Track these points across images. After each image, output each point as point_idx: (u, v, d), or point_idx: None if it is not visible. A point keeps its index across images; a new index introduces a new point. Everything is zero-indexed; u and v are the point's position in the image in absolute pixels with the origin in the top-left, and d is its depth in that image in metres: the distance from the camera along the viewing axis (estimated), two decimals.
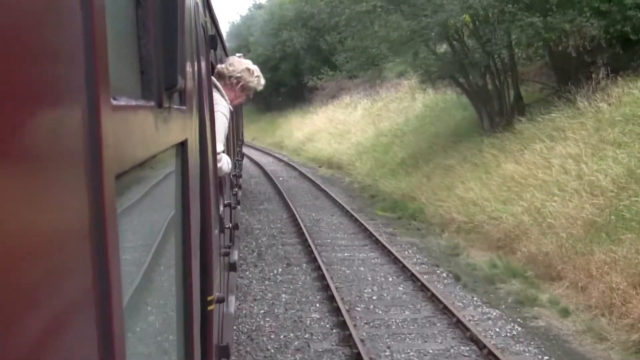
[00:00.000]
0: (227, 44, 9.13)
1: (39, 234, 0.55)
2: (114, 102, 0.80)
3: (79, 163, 0.65)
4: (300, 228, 13.36)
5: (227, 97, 3.69)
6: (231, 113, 3.82)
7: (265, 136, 40.39)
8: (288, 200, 16.91)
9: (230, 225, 5.04)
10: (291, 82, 42.52)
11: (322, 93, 37.80)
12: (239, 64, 3.89)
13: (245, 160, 28.80)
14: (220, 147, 3.33)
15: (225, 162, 3.47)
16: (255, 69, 3.94)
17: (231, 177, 6.03)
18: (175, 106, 1.46)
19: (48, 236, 0.57)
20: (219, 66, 3.96)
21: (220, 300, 2.76)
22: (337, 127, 28.98)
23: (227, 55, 6.05)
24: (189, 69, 1.74)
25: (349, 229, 13.70)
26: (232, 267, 5.15)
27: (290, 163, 27.37)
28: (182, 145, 1.64)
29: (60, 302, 0.60)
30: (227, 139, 4.07)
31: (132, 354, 1.04)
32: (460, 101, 22.40)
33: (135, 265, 1.15)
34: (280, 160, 29.27)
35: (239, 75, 3.83)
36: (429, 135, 19.65)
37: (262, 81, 4.00)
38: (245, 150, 32.67)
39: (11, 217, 0.49)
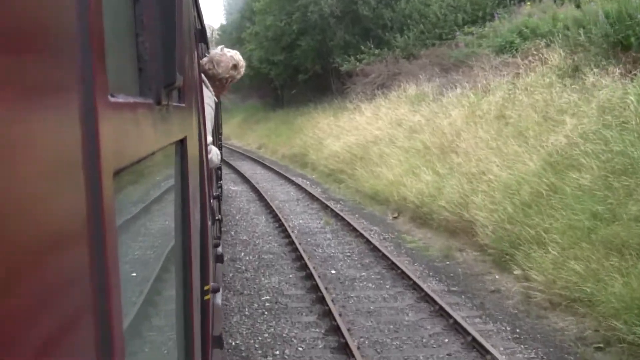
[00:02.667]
0: (227, 17, 10.20)
1: (36, 231, 0.54)
2: (112, 100, 0.79)
3: (76, 160, 0.64)
4: None
5: (211, 88, 3.71)
6: (216, 104, 3.82)
7: (278, 144, 27.44)
8: None
9: (219, 217, 5.55)
10: (314, 67, 29.73)
11: (362, 81, 24.76)
12: (225, 63, 3.81)
13: (246, 197, 15.90)
14: (209, 138, 3.35)
15: (215, 154, 3.53)
16: (240, 60, 3.91)
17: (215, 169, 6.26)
18: (174, 103, 1.45)
19: (45, 233, 0.56)
20: (203, 61, 3.86)
21: (216, 290, 2.80)
22: (415, 137, 15.87)
23: (208, 49, 5.61)
24: (186, 65, 1.75)
25: None
26: (219, 258, 5.16)
27: (331, 205, 14.37)
28: (182, 143, 1.65)
29: (59, 297, 0.59)
30: (212, 130, 4.07)
31: (133, 344, 1.03)
32: None
33: (134, 263, 1.12)
34: (312, 196, 16.19)
35: (227, 76, 3.81)
36: None
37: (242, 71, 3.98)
38: (246, 166, 20.40)
39: (7, 216, 0.48)
